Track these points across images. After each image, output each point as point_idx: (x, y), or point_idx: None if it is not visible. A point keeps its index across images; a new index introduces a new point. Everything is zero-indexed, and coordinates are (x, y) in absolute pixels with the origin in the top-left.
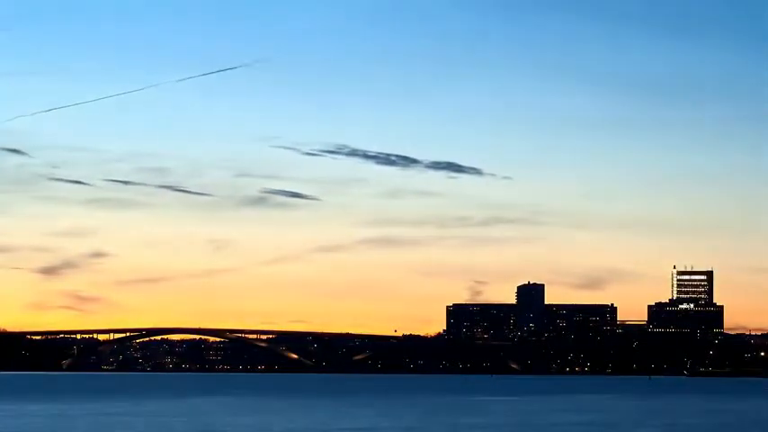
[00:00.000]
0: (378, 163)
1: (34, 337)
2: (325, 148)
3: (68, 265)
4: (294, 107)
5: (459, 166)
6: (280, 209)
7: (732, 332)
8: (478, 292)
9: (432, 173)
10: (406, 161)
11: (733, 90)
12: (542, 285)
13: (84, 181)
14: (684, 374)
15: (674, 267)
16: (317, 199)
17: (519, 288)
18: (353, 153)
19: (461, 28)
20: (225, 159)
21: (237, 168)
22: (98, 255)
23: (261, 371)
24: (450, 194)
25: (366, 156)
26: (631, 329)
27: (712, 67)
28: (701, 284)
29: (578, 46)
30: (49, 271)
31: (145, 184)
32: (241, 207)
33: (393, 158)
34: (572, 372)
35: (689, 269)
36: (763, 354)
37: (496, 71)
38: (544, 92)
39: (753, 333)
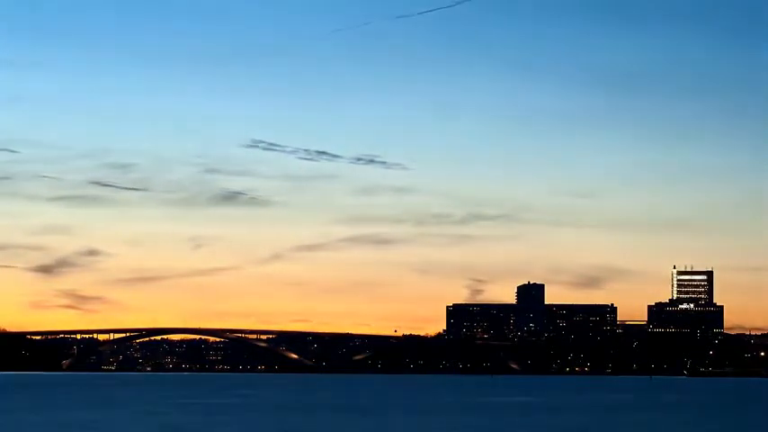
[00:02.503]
0: (299, 158)
1: (34, 337)
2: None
3: (64, 263)
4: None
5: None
6: (250, 207)
7: (732, 332)
8: (478, 292)
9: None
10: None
11: (732, 87)
12: (542, 285)
13: (54, 178)
14: (684, 374)
15: (674, 267)
16: (266, 197)
17: (519, 288)
18: (270, 147)
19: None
20: (193, 156)
21: (205, 165)
22: (93, 253)
23: (261, 371)
24: (424, 191)
25: (285, 151)
26: (631, 329)
27: (712, 63)
28: (700, 284)
29: (575, 42)
30: (45, 270)
31: (116, 183)
32: (212, 205)
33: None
34: (572, 372)
35: (689, 269)
36: (763, 354)
37: (455, 66)
38: (533, 89)
39: (753, 333)
